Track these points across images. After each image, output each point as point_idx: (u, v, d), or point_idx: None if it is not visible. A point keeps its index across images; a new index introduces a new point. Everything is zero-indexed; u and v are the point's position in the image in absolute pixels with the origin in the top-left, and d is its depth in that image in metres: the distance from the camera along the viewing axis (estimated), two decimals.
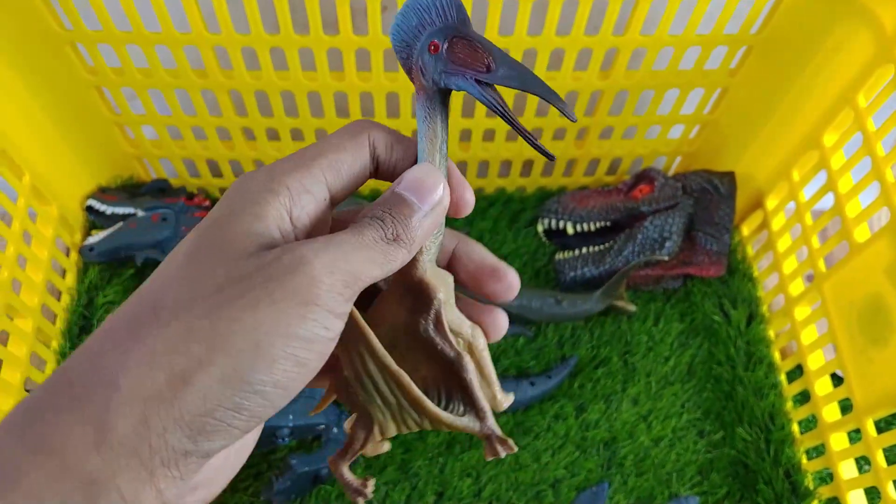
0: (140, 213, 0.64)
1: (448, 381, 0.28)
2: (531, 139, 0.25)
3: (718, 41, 0.56)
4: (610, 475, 0.60)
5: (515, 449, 0.28)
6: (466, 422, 0.28)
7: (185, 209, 0.64)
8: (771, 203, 0.67)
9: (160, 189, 0.67)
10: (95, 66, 0.56)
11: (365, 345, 0.27)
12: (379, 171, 0.28)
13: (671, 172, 0.74)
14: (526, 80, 0.25)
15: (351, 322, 0.26)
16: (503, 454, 0.28)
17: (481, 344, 0.29)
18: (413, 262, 0.27)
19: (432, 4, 0.26)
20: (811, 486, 0.58)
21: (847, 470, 0.56)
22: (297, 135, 0.64)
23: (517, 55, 0.56)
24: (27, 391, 0.56)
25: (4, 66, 0.54)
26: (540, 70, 0.58)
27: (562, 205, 0.68)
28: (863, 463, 0.58)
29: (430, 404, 0.27)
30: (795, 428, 0.62)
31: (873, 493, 0.54)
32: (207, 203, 0.66)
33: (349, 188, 0.26)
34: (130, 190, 0.67)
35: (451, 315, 0.28)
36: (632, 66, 0.60)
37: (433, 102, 0.26)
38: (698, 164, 0.71)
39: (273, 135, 0.64)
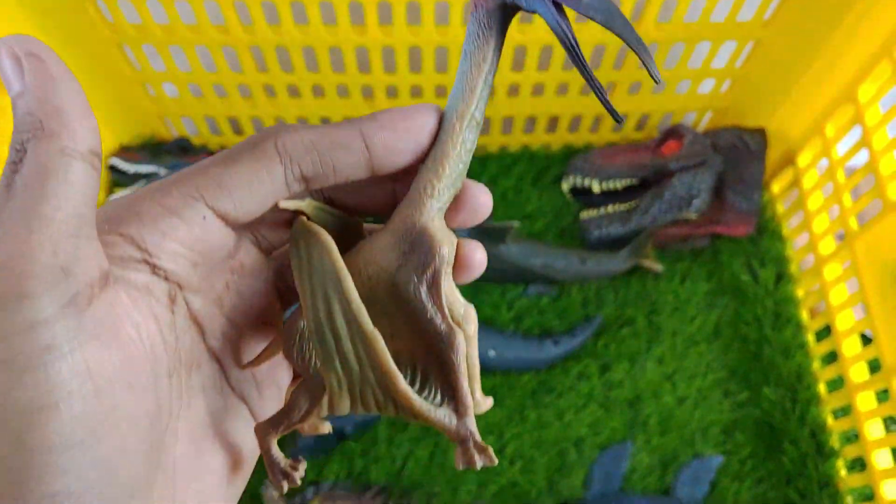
0: (162, 172, 0.64)
1: (428, 361, 0.23)
2: (601, 92, 0.21)
3: None
4: (633, 434, 0.61)
5: (496, 461, 0.22)
6: (442, 415, 0.22)
7: None
8: (803, 160, 0.65)
9: (182, 147, 0.67)
10: (116, 22, 0.56)
11: (336, 288, 0.22)
12: (312, 185, 0.22)
13: (701, 129, 0.72)
14: (612, 17, 0.20)
15: (325, 255, 0.22)
16: (480, 465, 0.22)
17: (472, 329, 0.24)
18: (419, 207, 0.22)
19: None
20: (836, 446, 0.58)
21: (873, 430, 0.55)
22: (318, 91, 0.64)
23: None
24: None
25: (26, 23, 0.53)
26: None
27: (588, 162, 0.67)
28: (890, 423, 0.58)
29: (402, 383, 0.22)
30: (822, 388, 0.61)
31: None
32: None
33: (253, 206, 0.22)
34: (152, 149, 0.67)
35: (448, 285, 0.23)
36: (662, 17, 0.58)
37: (491, 20, 0.21)
38: (729, 119, 0.69)
39: (294, 91, 0.64)
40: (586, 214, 0.67)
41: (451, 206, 0.23)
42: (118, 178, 0.66)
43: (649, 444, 0.60)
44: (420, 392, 0.23)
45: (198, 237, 0.21)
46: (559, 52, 0.59)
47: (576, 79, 0.63)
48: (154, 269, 0.21)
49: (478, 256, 0.24)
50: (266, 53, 0.58)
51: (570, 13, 0.21)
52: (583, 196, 0.69)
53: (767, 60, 0.62)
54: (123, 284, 0.20)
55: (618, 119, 0.21)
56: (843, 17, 0.55)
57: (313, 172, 0.22)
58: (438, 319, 0.22)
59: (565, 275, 0.64)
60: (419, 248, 0.22)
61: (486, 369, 0.62)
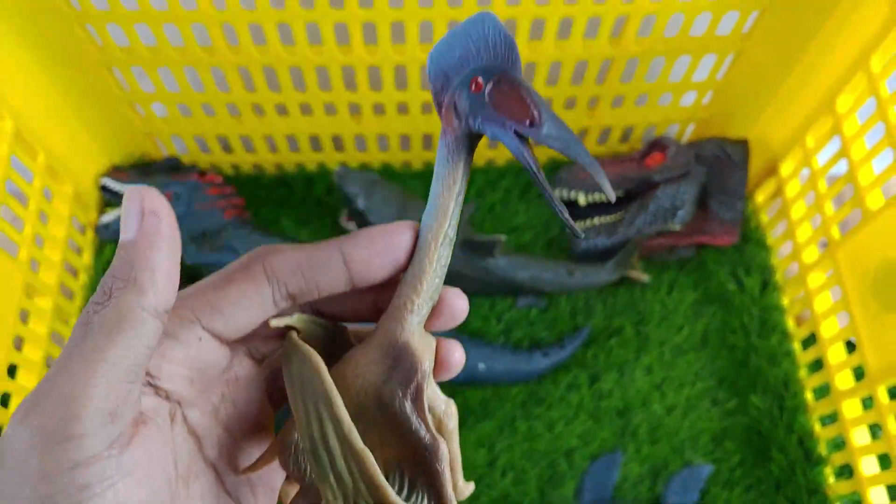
0: None
1: (414, 466, 0.24)
2: (561, 212, 0.22)
3: (730, 5, 0.55)
4: (623, 444, 0.61)
5: None
6: None
7: (197, 186, 0.65)
8: (785, 170, 0.66)
9: (172, 166, 0.68)
10: (105, 45, 0.56)
11: (328, 409, 0.23)
12: (298, 301, 0.24)
13: (685, 140, 0.73)
14: (570, 144, 0.22)
15: (315, 377, 0.23)
16: None
17: (452, 424, 0.25)
18: (401, 322, 0.24)
19: (483, 38, 0.23)
20: (824, 453, 0.59)
21: (860, 436, 0.56)
22: (306, 109, 0.64)
23: (524, 25, 0.55)
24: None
25: (17, 48, 0.54)
26: (549, 39, 0.57)
27: (574, 175, 0.68)
28: (876, 430, 0.58)
29: (393, 496, 0.23)
30: (809, 395, 0.62)
31: (886, 460, 0.54)
32: (220, 180, 0.67)
33: (245, 324, 0.24)
34: (143, 168, 0.68)
35: (430, 388, 0.25)
36: (642, 32, 0.59)
37: (459, 145, 0.24)
38: (712, 130, 0.70)
39: (282, 110, 0.65)
40: None
41: (430, 314, 0.25)
42: (109, 199, 0.67)
43: (639, 453, 0.61)
44: (408, 499, 0.24)
45: (194, 357, 0.23)
46: (543, 68, 0.60)
47: (560, 94, 0.64)
48: (156, 390, 0.23)
49: (455, 356, 0.25)
50: (253, 73, 0.59)
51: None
52: (569, 208, 0.69)
53: (748, 72, 0.63)
54: (144, 419, 0.21)
55: (577, 234, 0.23)
56: (819, 30, 0.56)
57: (299, 290, 0.24)
58: (423, 431, 0.24)
59: (553, 287, 0.65)
60: (402, 363, 0.24)
61: (477, 382, 0.62)
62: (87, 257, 0.66)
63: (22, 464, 0.18)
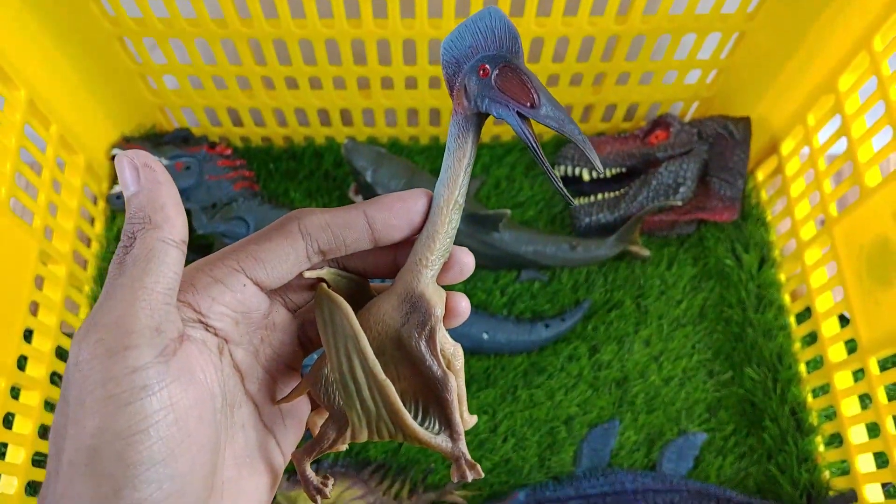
0: (164, 162, 0.66)
1: (427, 396, 0.28)
2: (556, 182, 0.26)
3: None
4: (621, 413, 0.63)
5: (482, 475, 0.27)
6: (440, 441, 0.28)
7: (207, 157, 0.66)
8: (786, 148, 0.67)
9: (183, 138, 0.69)
10: (117, 16, 0.57)
11: (355, 347, 0.27)
12: (328, 256, 0.28)
13: (688, 118, 0.74)
14: (565, 124, 0.25)
15: (344, 320, 0.27)
16: (470, 478, 0.27)
17: (459, 364, 0.29)
18: (417, 276, 0.27)
19: (490, 29, 0.26)
20: (815, 423, 0.61)
21: (850, 407, 0.58)
22: (315, 82, 0.65)
23: (533, 1, 0.56)
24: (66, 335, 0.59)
25: (30, 19, 0.55)
26: (556, 16, 0.58)
27: (578, 151, 0.69)
28: (866, 400, 0.60)
29: (409, 420, 0.27)
30: (802, 368, 0.63)
31: (874, 429, 0.56)
32: (230, 152, 0.68)
33: (282, 274, 0.27)
34: (154, 139, 0.69)
35: (441, 333, 0.28)
36: (648, 10, 0.59)
37: (469, 123, 0.27)
38: (715, 109, 0.71)
39: (292, 83, 0.65)
40: (577, 202, 0.69)
41: (441, 269, 0.28)
42: None
43: (636, 422, 0.63)
44: (422, 423, 0.28)
45: (239, 301, 0.27)
46: (549, 44, 0.61)
47: (566, 70, 0.65)
48: (206, 326, 0.26)
49: (462, 305, 0.29)
50: (264, 46, 0.60)
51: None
52: (573, 184, 0.71)
53: (752, 51, 0.64)
54: (189, 339, 0.25)
55: (569, 202, 0.26)
56: (823, 10, 0.57)
57: (328, 246, 0.27)
58: (435, 366, 0.27)
59: (556, 261, 0.66)
60: (418, 309, 0.28)
61: (480, 352, 0.64)
62: (99, 227, 0.67)
63: (90, 371, 0.22)
